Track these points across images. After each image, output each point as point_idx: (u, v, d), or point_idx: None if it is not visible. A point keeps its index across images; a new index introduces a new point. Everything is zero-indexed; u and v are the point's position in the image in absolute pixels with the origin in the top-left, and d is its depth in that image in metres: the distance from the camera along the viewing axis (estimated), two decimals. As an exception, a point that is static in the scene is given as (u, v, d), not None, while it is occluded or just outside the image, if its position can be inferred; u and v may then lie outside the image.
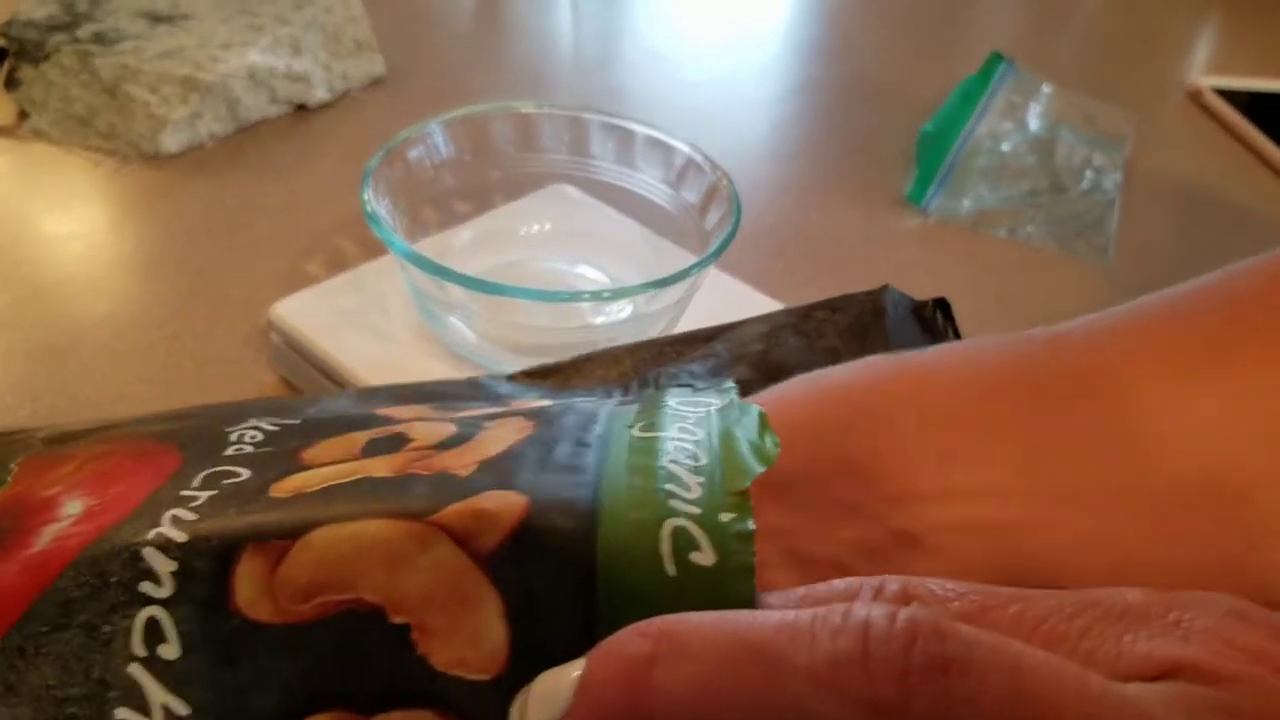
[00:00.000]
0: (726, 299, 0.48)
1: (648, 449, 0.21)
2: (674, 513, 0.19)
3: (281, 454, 0.22)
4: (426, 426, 0.23)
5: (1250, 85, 0.91)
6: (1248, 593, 0.18)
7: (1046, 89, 0.78)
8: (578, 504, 0.20)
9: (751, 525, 0.19)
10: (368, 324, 0.44)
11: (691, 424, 0.22)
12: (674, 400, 0.24)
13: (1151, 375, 0.24)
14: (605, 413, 0.24)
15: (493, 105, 0.49)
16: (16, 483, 0.22)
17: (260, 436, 0.23)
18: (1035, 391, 0.25)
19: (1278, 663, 0.16)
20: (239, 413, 0.25)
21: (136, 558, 0.19)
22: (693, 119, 0.76)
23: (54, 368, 0.47)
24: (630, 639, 0.16)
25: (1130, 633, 0.16)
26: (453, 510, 0.19)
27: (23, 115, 0.66)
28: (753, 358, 0.30)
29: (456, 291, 0.40)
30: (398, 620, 0.18)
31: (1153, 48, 1.00)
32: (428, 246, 0.48)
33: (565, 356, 0.42)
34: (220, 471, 0.21)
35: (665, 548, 0.19)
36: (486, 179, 0.51)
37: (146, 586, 0.18)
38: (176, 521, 0.19)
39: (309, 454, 0.22)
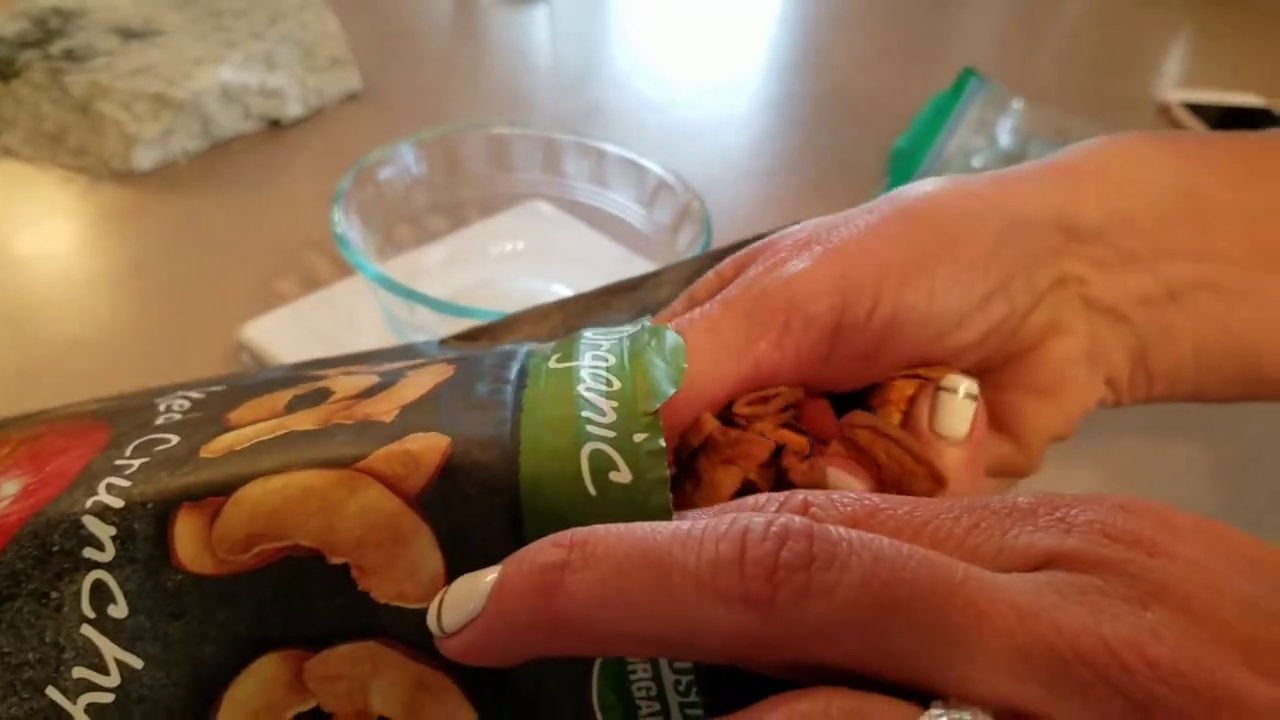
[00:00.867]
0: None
1: (564, 377, 0.22)
2: (591, 437, 0.20)
3: (209, 418, 0.23)
4: (349, 379, 0.24)
5: (1220, 99, 0.92)
6: None
7: (1017, 104, 0.79)
8: (499, 437, 0.20)
9: (662, 443, 0.20)
10: (339, 343, 0.44)
11: (605, 350, 0.23)
12: (589, 331, 0.25)
13: None
14: (524, 350, 0.25)
15: (465, 125, 0.49)
16: None
17: (188, 404, 0.24)
18: (1253, 173, 0.28)
19: (1153, 547, 0.16)
20: (169, 388, 0.26)
21: (77, 526, 0.20)
22: (669, 136, 0.76)
23: (25, 393, 0.47)
24: (544, 548, 0.17)
25: (1015, 529, 0.17)
26: (379, 455, 0.20)
27: (-7, 132, 0.65)
28: (674, 302, 0.29)
29: (425, 313, 0.40)
30: (336, 561, 0.19)
31: (1125, 63, 1.01)
32: (401, 265, 0.48)
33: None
34: (151, 439, 0.22)
35: (585, 469, 0.20)
36: (459, 197, 0.51)
37: (89, 552, 0.19)
38: (112, 489, 0.20)
39: (235, 415, 0.23)
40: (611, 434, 0.20)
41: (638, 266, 0.48)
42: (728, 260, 0.27)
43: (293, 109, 0.69)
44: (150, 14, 0.70)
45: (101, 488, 0.20)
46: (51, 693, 0.18)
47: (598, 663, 0.19)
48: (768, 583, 0.16)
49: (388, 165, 0.47)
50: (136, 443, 0.22)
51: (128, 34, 0.68)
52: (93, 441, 0.23)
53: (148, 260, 0.56)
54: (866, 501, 0.18)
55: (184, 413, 0.24)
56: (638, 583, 0.16)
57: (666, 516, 0.19)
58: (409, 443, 0.20)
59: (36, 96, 0.64)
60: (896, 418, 0.25)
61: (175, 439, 0.22)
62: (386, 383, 0.23)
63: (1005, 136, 0.75)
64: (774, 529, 0.16)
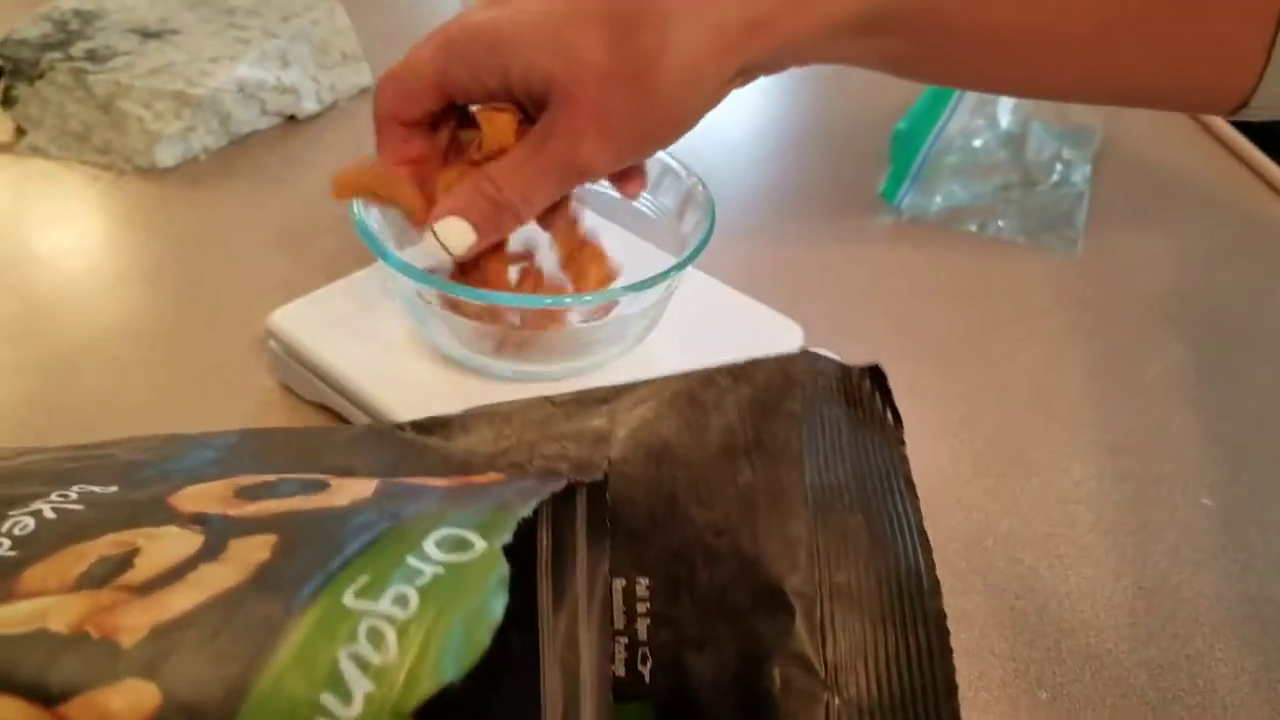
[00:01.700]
0: (706, 298, 0.50)
1: (342, 629, 0.19)
2: None
3: (13, 568, 0.22)
4: (165, 544, 0.22)
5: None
6: None
7: (1017, 85, 0.80)
8: (211, 713, 0.18)
9: None
10: (362, 329, 0.46)
11: (418, 586, 0.20)
12: (433, 539, 0.21)
13: None
14: (358, 544, 0.21)
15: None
16: None
17: (30, 527, 0.24)
18: None
19: None
20: (68, 475, 0.26)
21: None
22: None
23: (64, 380, 0.49)
24: None
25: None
26: (80, 702, 0.19)
27: (20, 132, 0.67)
28: (640, 432, 0.27)
29: (442, 298, 0.42)
30: None
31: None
32: (418, 253, 0.50)
33: (550, 358, 0.44)
34: None
35: None
36: (472, 187, 0.53)
37: None
38: None
39: (31, 574, 0.22)
40: None
41: (643, 253, 0.50)
42: None
43: (308, 105, 0.71)
44: (166, 14, 0.72)
45: None
46: None
47: None
48: None
49: (403, 157, 0.48)
50: None
51: (145, 34, 0.70)
52: None
53: (174, 252, 0.58)
54: None
55: (15, 541, 0.23)
56: None
57: None
58: (113, 694, 0.18)
59: (61, 97, 0.66)
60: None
61: None
62: (185, 567, 0.21)
63: (1005, 117, 0.77)
64: None
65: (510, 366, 0.44)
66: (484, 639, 0.19)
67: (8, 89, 0.67)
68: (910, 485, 0.27)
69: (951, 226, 0.68)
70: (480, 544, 0.21)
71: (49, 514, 0.24)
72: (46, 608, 0.21)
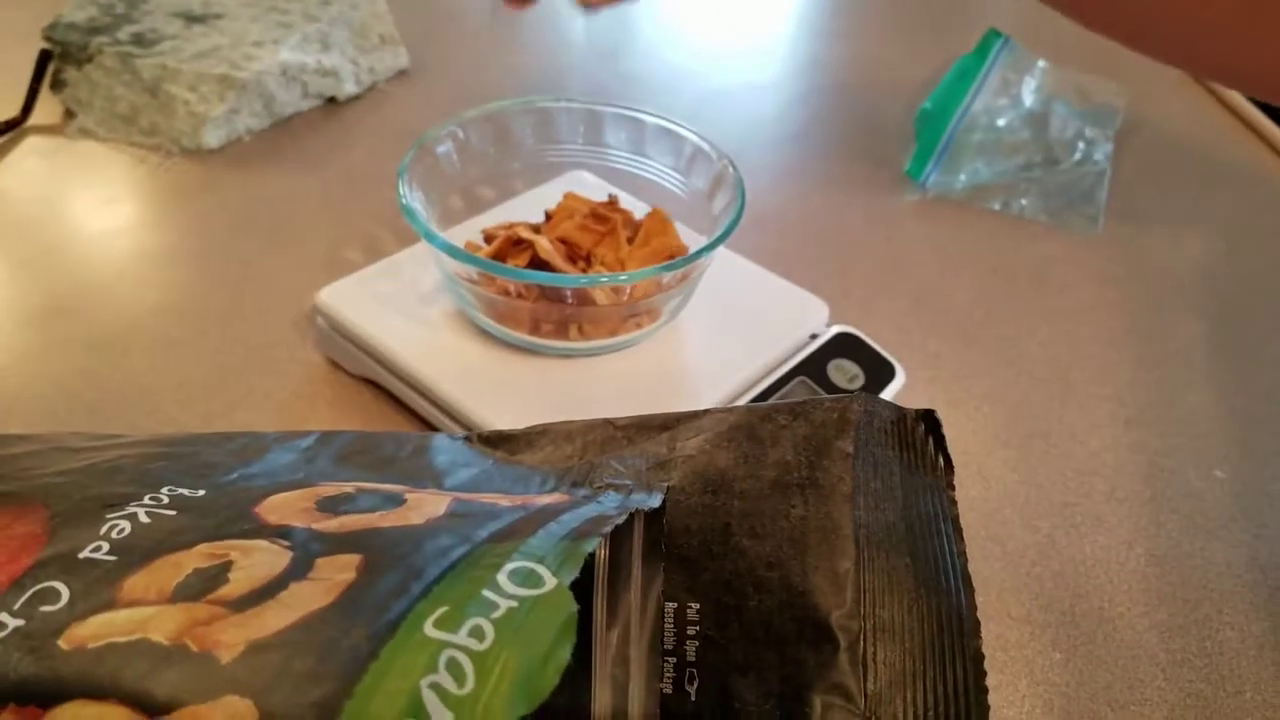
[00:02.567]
0: (734, 276, 0.52)
1: (422, 658, 0.20)
2: None
3: (111, 576, 0.24)
4: (257, 558, 0.24)
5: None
6: None
7: (1041, 64, 0.81)
8: None
9: None
10: (405, 307, 0.48)
11: (494, 619, 0.21)
12: (507, 571, 0.23)
13: None
14: (437, 569, 0.23)
15: (514, 101, 0.53)
16: None
17: (127, 531, 0.25)
18: None
19: None
20: (156, 475, 0.27)
21: None
22: (700, 104, 0.80)
23: (116, 356, 0.51)
24: None
25: None
26: (181, 715, 0.20)
27: (69, 115, 0.70)
28: (698, 460, 0.28)
29: (483, 277, 0.44)
30: None
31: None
32: (457, 234, 0.52)
33: (585, 335, 0.46)
34: (47, 590, 0.23)
35: None
36: (509, 168, 0.55)
37: None
38: None
39: (131, 582, 0.23)
40: None
41: (674, 230, 0.52)
42: None
43: (348, 87, 0.74)
44: (209, -2, 0.74)
45: None
46: None
47: None
48: None
49: (444, 140, 0.50)
50: (36, 589, 0.23)
51: (190, 18, 0.72)
52: (18, 565, 0.24)
53: (220, 232, 0.61)
54: None
55: (113, 545, 0.24)
56: None
57: None
58: (214, 710, 0.20)
59: (109, 80, 0.68)
60: None
61: (65, 598, 0.23)
62: (277, 584, 0.23)
63: (1029, 96, 0.78)
64: None
65: (547, 343, 0.46)
66: (554, 679, 0.20)
67: (57, 72, 0.70)
68: (958, 529, 0.27)
69: (975, 204, 0.70)
70: (550, 581, 0.22)
71: (144, 518, 0.25)
72: (147, 617, 0.22)
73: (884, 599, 0.25)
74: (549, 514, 0.25)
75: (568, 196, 0.52)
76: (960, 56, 0.79)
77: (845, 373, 0.49)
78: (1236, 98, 0.85)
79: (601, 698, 0.24)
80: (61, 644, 0.21)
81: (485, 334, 0.47)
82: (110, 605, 0.22)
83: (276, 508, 0.26)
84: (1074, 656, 0.42)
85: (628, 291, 0.45)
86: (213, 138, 0.67)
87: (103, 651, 0.21)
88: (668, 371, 0.47)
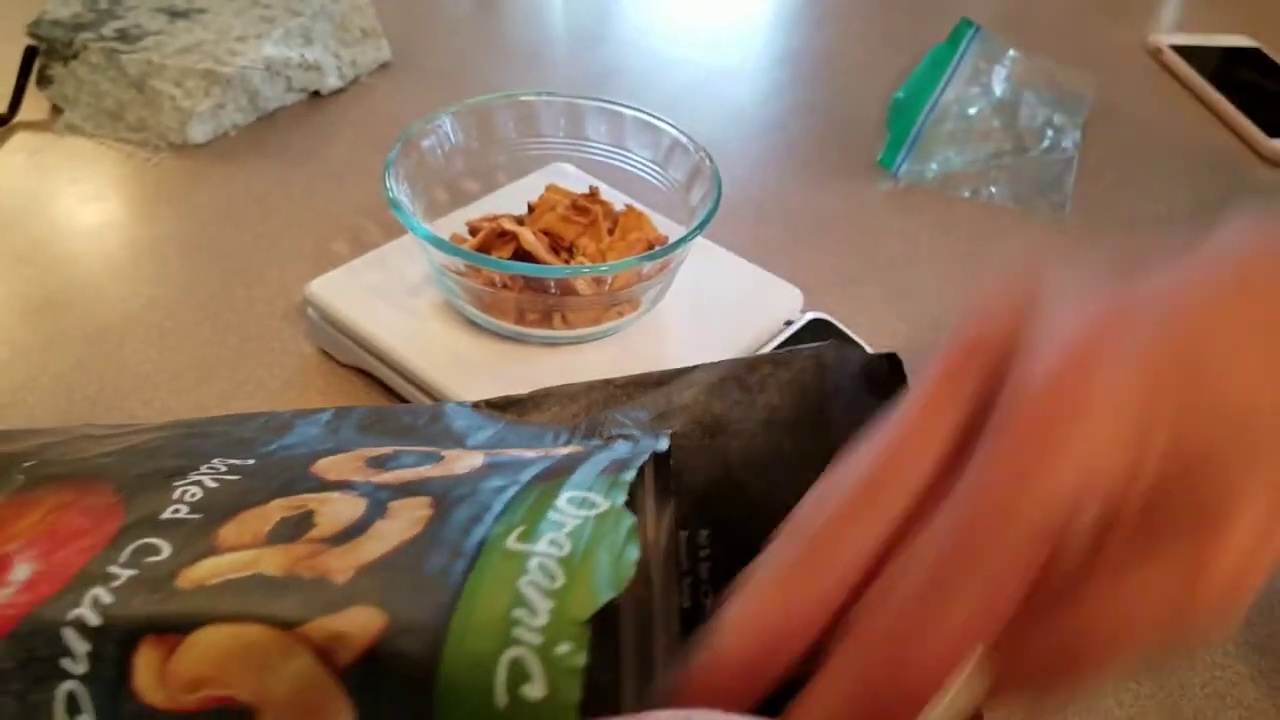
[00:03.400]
0: (712, 264, 0.54)
1: (512, 564, 0.22)
2: (515, 641, 0.21)
3: (204, 528, 0.25)
4: (336, 506, 0.25)
5: (1209, 41, 0.95)
6: None
7: (1012, 53, 0.83)
8: (429, 629, 0.21)
9: (583, 660, 0.20)
10: (394, 298, 0.49)
11: (566, 533, 0.23)
12: (564, 498, 0.25)
13: None
14: (500, 504, 0.25)
15: (496, 95, 0.54)
16: None
17: (199, 495, 0.26)
18: None
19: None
20: (201, 450, 0.29)
21: (58, 637, 0.22)
22: (680, 94, 0.81)
23: (111, 349, 0.53)
24: None
25: None
26: (317, 625, 0.21)
27: (56, 111, 0.71)
28: (694, 409, 0.31)
29: (470, 268, 0.45)
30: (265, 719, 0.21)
31: (1117, 10, 1.04)
32: (442, 226, 0.53)
33: (569, 324, 0.48)
34: (147, 545, 0.24)
35: (500, 678, 0.20)
36: (492, 161, 0.56)
37: (66, 663, 0.22)
38: (95, 603, 0.22)
39: (224, 531, 0.25)
40: (538, 640, 0.20)
41: (653, 221, 0.54)
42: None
43: (331, 81, 0.75)
44: (192, -7, 0.75)
45: (87, 600, 0.22)
46: None
47: None
48: None
49: (429, 134, 0.52)
50: (134, 546, 0.24)
51: (173, 13, 0.73)
52: (104, 531, 0.25)
53: (209, 225, 0.62)
54: None
55: (191, 506, 0.26)
56: None
57: None
58: (344, 619, 0.21)
59: (95, 76, 0.69)
60: None
61: (167, 550, 0.24)
62: (363, 523, 0.24)
63: (999, 85, 0.79)
64: None
65: (532, 331, 0.48)
66: (630, 571, 0.22)
67: (43, 69, 0.71)
68: None
69: (946, 192, 0.71)
70: (604, 502, 0.24)
71: (210, 483, 0.27)
72: (254, 557, 0.23)
73: None
74: (577, 459, 0.27)
75: (550, 189, 0.54)
76: (934, 46, 0.80)
77: (820, 357, 0.50)
78: (1200, 84, 0.87)
79: (626, 615, 0.26)
80: (180, 584, 0.23)
81: (472, 323, 0.49)
82: (212, 552, 0.24)
83: (331, 467, 0.28)
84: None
85: (609, 281, 0.47)
86: (199, 133, 0.68)
87: (222, 587, 0.23)
88: (648, 358, 0.48)
